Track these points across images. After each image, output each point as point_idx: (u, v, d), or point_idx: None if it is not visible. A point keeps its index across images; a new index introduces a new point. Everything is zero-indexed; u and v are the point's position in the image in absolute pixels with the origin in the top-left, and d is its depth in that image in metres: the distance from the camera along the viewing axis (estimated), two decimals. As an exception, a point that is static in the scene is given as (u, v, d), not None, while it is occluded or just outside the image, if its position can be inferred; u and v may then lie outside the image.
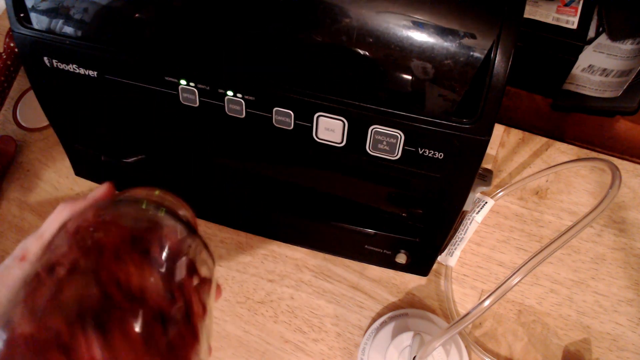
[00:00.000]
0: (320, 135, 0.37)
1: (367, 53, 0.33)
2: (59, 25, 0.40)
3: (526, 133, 0.57)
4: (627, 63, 0.55)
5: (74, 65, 0.42)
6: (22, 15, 0.41)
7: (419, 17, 0.31)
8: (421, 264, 0.48)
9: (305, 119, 0.37)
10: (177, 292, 0.25)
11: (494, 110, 0.32)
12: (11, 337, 0.22)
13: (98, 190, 0.33)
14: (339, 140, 0.37)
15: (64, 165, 0.60)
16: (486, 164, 0.56)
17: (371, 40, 0.32)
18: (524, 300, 0.49)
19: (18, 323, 0.22)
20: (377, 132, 0.36)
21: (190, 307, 0.26)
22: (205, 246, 0.29)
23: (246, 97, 0.37)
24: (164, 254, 0.26)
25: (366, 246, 0.48)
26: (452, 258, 0.51)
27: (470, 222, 0.52)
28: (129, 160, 0.53)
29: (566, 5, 0.52)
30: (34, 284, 0.24)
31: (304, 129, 0.37)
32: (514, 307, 0.49)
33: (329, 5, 0.33)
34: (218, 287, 0.33)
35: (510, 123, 0.58)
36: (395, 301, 0.50)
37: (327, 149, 0.38)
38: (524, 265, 0.31)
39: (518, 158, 0.56)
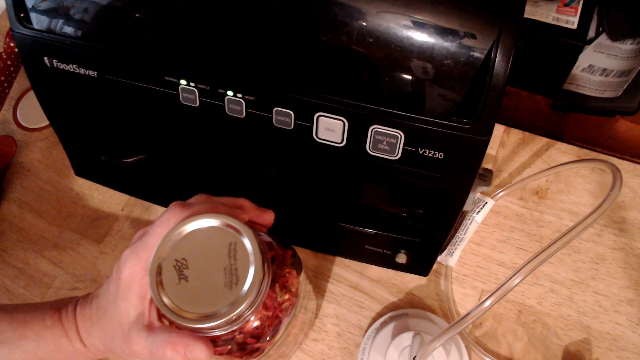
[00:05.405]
0: (320, 135, 0.37)
1: (367, 53, 0.33)
2: (59, 25, 0.40)
3: (526, 133, 0.57)
4: (627, 63, 0.55)
5: (74, 65, 0.42)
6: (22, 15, 0.41)
7: (419, 17, 0.31)
8: (421, 264, 0.48)
9: (305, 119, 0.37)
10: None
11: (494, 110, 0.32)
12: None
13: (202, 203, 0.34)
14: (339, 140, 0.37)
15: (64, 165, 0.60)
16: (486, 164, 0.56)
17: (371, 40, 0.32)
18: (524, 300, 0.49)
19: None
20: (377, 132, 0.36)
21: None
22: None
23: (246, 97, 0.37)
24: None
25: (366, 246, 0.48)
26: (452, 258, 0.51)
27: (471, 222, 0.52)
28: (129, 160, 0.53)
29: (566, 5, 0.52)
30: None
31: (304, 129, 0.37)
32: (514, 307, 0.49)
33: (329, 5, 0.32)
34: None
35: (510, 123, 0.58)
36: (395, 301, 0.50)
37: (327, 149, 0.38)
38: (524, 265, 0.31)
39: (518, 158, 0.56)
